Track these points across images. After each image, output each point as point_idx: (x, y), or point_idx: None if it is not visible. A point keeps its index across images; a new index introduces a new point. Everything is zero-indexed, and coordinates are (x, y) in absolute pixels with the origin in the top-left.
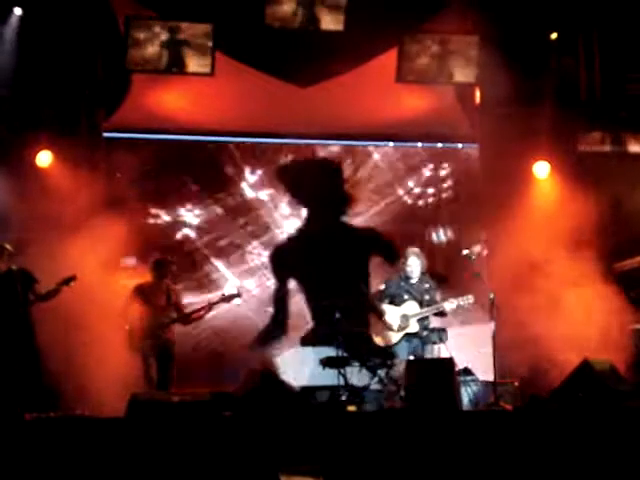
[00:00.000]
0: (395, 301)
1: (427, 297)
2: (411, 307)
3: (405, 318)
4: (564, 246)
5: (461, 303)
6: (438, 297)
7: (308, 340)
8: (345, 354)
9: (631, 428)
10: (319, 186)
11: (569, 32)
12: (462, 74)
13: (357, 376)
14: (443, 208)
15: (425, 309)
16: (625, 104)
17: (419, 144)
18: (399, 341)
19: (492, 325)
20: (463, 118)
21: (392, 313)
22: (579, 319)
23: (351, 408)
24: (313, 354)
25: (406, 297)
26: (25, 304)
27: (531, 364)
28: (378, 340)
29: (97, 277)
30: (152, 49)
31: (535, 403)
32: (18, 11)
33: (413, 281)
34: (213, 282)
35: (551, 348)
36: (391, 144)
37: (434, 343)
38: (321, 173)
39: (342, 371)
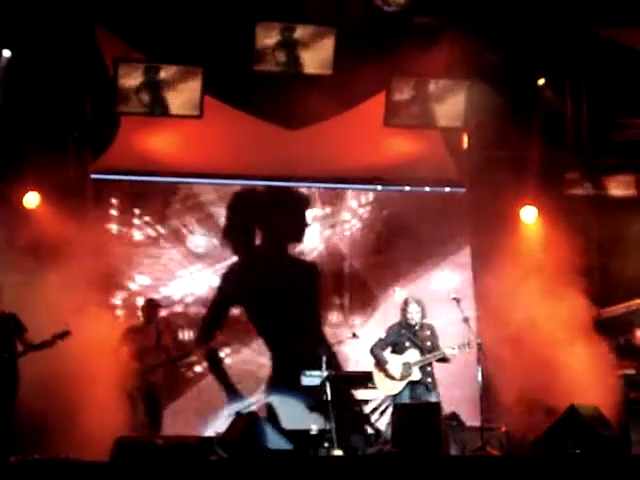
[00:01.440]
0: (396, 349)
1: (429, 344)
2: (413, 355)
3: (407, 366)
4: (551, 290)
5: (462, 348)
6: (440, 343)
7: (295, 384)
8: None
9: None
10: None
11: (557, 78)
12: (450, 118)
13: (345, 420)
14: (429, 251)
15: (427, 356)
16: (611, 149)
17: (406, 188)
18: (402, 390)
19: (479, 370)
20: (450, 162)
21: (394, 362)
22: (566, 364)
23: (337, 452)
24: (300, 397)
25: (407, 345)
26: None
27: (518, 409)
28: (382, 388)
29: (84, 318)
30: (140, 91)
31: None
32: (7, 53)
33: (414, 328)
34: None
35: (538, 393)
36: (379, 188)
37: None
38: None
39: (330, 415)
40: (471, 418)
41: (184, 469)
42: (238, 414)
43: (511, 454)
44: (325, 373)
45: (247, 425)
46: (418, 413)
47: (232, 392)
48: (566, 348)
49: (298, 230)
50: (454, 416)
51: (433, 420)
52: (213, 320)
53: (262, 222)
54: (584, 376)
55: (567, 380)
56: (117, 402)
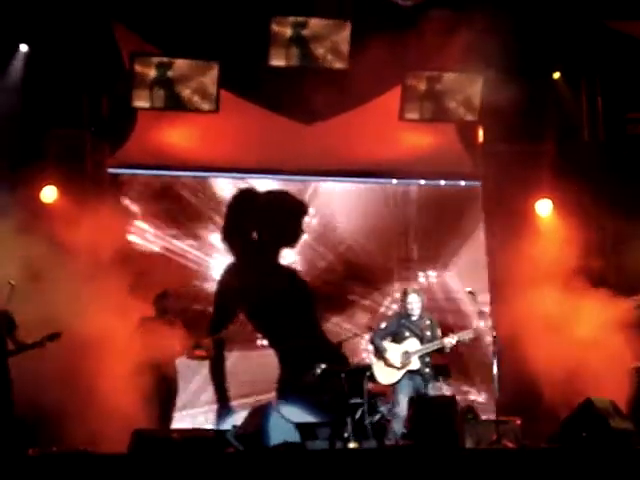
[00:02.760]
0: (396, 339)
1: (428, 333)
2: (412, 344)
3: (406, 355)
4: (566, 282)
5: (462, 338)
6: (439, 333)
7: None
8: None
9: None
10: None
11: (572, 72)
12: (465, 112)
13: (359, 412)
14: (444, 244)
15: (426, 345)
16: (625, 143)
17: (422, 181)
18: (401, 379)
19: (495, 363)
20: (466, 156)
21: (393, 351)
22: (582, 357)
23: (353, 445)
24: (309, 392)
25: (407, 334)
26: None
27: (533, 402)
28: (380, 378)
29: (100, 311)
30: (157, 86)
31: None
32: (24, 47)
33: (414, 318)
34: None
35: (554, 386)
36: (394, 181)
37: (437, 380)
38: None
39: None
40: (486, 411)
41: (201, 462)
42: (255, 407)
43: (526, 447)
44: (323, 366)
45: (263, 418)
46: (434, 406)
47: (221, 392)
48: (582, 341)
49: (295, 231)
50: (469, 409)
51: (449, 413)
52: (220, 316)
53: (262, 221)
54: (601, 369)
55: (583, 373)
56: (132, 395)
